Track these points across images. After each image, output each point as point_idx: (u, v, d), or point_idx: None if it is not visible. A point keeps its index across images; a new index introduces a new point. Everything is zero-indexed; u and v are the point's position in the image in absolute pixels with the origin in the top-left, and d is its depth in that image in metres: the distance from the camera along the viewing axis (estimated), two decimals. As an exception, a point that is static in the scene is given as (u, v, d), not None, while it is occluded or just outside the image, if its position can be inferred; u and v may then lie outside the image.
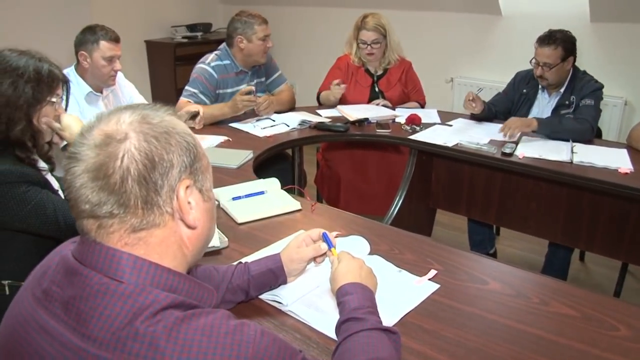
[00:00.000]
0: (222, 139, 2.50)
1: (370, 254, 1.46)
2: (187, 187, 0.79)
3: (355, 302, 1.04)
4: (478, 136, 2.57)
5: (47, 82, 1.50)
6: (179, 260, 0.81)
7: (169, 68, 4.83)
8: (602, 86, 2.60)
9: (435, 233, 3.24)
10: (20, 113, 1.45)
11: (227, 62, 2.87)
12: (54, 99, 1.53)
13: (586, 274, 3.00)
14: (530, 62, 2.66)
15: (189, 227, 0.81)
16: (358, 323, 1.00)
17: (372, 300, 1.08)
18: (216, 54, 2.89)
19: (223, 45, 2.91)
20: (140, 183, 0.73)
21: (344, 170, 3.10)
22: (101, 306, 0.71)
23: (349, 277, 1.11)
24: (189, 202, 0.79)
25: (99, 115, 0.79)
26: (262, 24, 2.80)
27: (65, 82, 1.58)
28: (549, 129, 2.50)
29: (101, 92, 2.48)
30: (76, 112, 2.33)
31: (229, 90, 2.88)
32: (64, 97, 1.60)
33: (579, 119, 2.52)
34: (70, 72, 2.40)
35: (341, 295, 1.08)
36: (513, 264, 1.48)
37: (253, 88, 2.77)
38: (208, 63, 2.84)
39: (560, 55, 2.55)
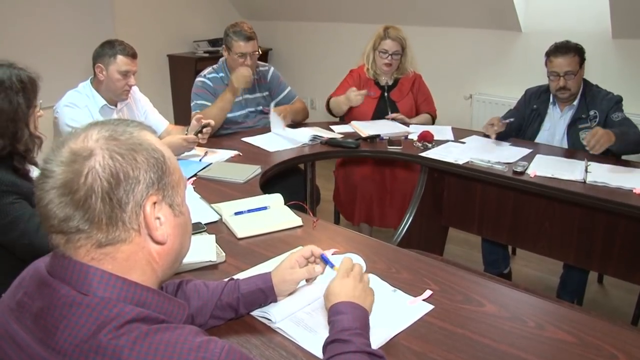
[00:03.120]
0: (232, 153, 2.52)
1: (365, 272, 1.44)
2: (155, 202, 0.79)
3: (345, 323, 1.03)
4: (491, 154, 2.53)
5: (31, 88, 1.54)
6: (148, 275, 0.81)
7: (190, 82, 4.79)
8: (621, 98, 2.59)
9: (449, 250, 3.20)
10: (21, 124, 1.50)
11: (222, 74, 2.92)
12: (37, 103, 1.58)
13: (604, 296, 2.91)
14: (550, 76, 2.62)
15: (157, 242, 0.81)
16: (343, 345, 0.99)
17: (362, 321, 1.06)
18: (212, 67, 2.97)
19: (223, 58, 2.96)
20: (104, 200, 0.74)
21: (359, 186, 3.09)
22: (66, 318, 0.72)
23: (342, 296, 1.09)
24: (158, 218, 0.80)
25: (71, 131, 0.80)
26: (242, 40, 2.77)
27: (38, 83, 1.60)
28: (623, 143, 2.37)
29: (115, 106, 2.53)
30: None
31: None
32: None
33: (634, 129, 2.47)
34: (85, 85, 2.47)
35: (332, 314, 1.07)
36: (513, 286, 1.45)
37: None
38: (204, 75, 2.92)
39: (578, 62, 2.56)
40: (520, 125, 2.82)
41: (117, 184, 0.75)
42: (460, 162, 2.47)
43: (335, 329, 1.04)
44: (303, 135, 2.74)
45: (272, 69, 3.10)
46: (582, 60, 2.57)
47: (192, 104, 2.89)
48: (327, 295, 1.12)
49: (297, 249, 1.34)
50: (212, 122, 2.56)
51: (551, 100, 2.72)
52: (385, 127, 2.93)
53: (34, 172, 1.61)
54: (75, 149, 0.76)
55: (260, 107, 3.05)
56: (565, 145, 2.69)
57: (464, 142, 2.78)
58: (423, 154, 2.60)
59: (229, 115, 2.89)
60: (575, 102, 2.64)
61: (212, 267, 1.48)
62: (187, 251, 0.91)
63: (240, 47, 2.77)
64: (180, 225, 0.85)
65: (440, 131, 2.93)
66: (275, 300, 1.24)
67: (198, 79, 2.93)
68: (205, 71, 2.96)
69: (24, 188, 1.49)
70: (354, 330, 1.02)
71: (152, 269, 0.82)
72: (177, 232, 0.84)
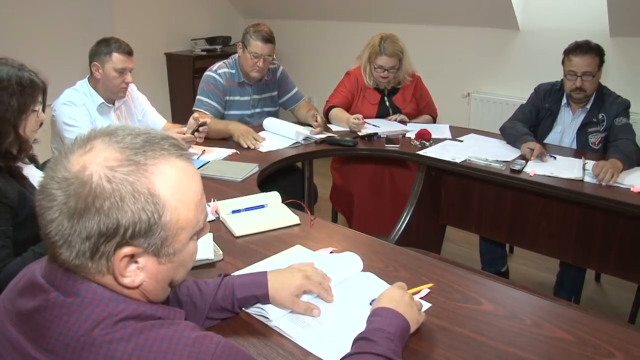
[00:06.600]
0: (229, 151, 2.52)
1: (363, 270, 1.44)
2: (132, 255, 0.74)
3: (379, 325, 1.06)
4: (488, 152, 2.53)
5: (30, 92, 1.51)
6: (135, 296, 0.78)
7: (188, 80, 4.89)
8: (630, 103, 2.54)
9: (446, 248, 3.20)
10: (8, 126, 1.47)
11: (233, 71, 2.89)
12: (37, 108, 1.55)
13: (601, 295, 2.92)
14: (567, 75, 2.55)
15: (125, 286, 0.76)
16: (370, 344, 1.01)
17: (397, 327, 1.06)
18: (225, 62, 2.93)
19: (236, 55, 2.93)
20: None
21: (357, 186, 3.07)
22: (57, 317, 0.71)
23: (386, 302, 1.13)
24: (135, 262, 0.75)
25: (79, 138, 0.76)
26: (260, 40, 2.74)
27: (44, 89, 1.58)
28: (630, 164, 2.30)
29: (113, 104, 2.52)
30: (88, 123, 2.38)
31: (234, 98, 2.90)
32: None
33: (627, 140, 2.40)
34: (83, 83, 2.46)
35: (372, 315, 1.11)
36: (511, 284, 1.45)
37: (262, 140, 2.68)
38: (215, 70, 2.87)
39: (598, 64, 2.49)
40: (533, 125, 2.74)
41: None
42: (458, 160, 2.47)
43: (369, 328, 1.06)
44: (295, 135, 2.70)
45: (281, 67, 3.08)
46: (601, 61, 2.50)
47: (197, 97, 2.86)
48: (375, 303, 1.15)
49: (304, 264, 1.31)
50: (209, 121, 2.55)
51: (564, 101, 2.66)
52: (384, 126, 2.93)
53: (28, 169, 1.60)
54: (73, 171, 0.71)
55: (268, 108, 3.03)
56: (574, 148, 2.65)
57: (461, 141, 2.78)
58: (421, 153, 2.60)
59: (236, 112, 2.90)
60: (588, 106, 2.58)
61: (209, 266, 1.47)
62: (182, 278, 0.85)
63: (257, 47, 2.74)
64: (164, 272, 0.78)
65: (438, 129, 2.93)
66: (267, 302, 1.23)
67: (208, 73, 2.88)
68: (216, 66, 2.90)
69: (8, 193, 1.45)
70: (385, 333, 1.03)
71: (138, 293, 0.78)
72: (160, 277, 0.79)
